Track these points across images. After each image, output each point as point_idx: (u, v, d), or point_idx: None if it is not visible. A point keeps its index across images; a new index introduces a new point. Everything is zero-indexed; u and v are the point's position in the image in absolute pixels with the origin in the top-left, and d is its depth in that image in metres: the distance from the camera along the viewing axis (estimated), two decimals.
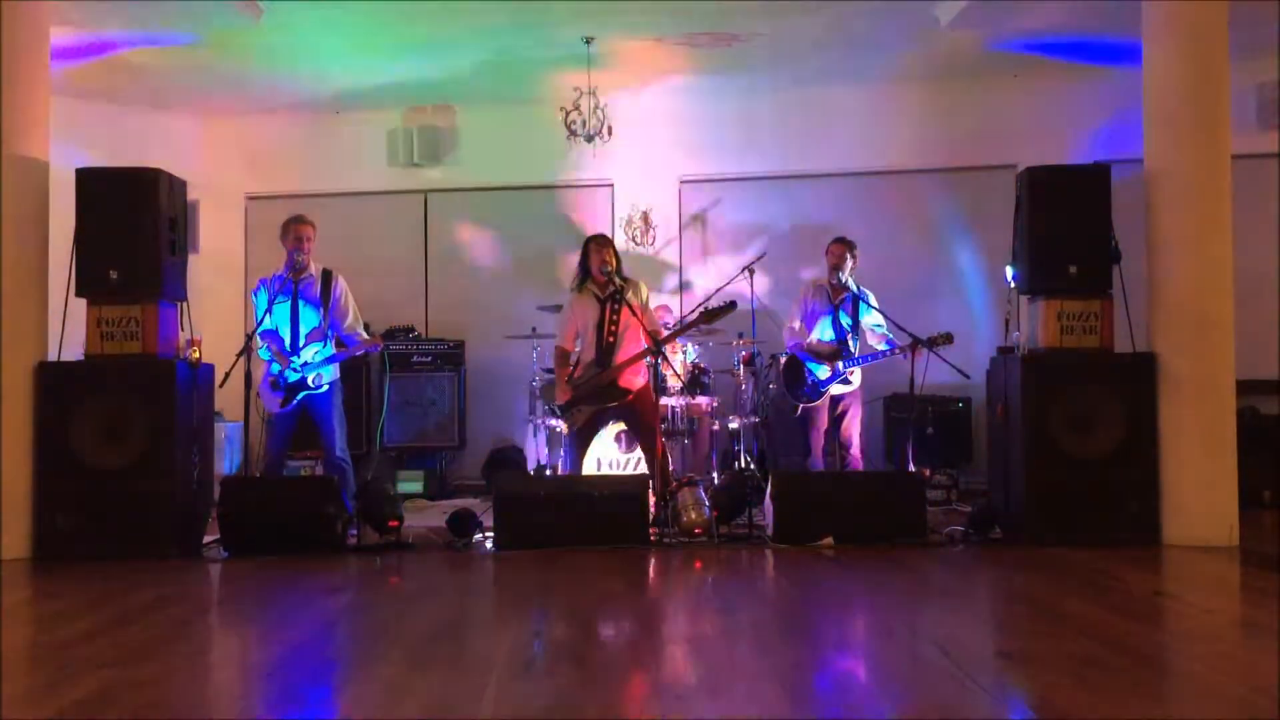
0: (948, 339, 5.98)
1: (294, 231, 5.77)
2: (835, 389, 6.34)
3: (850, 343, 6.33)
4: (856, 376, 6.40)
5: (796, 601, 4.37)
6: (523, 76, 7.74)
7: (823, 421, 6.37)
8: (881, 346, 6.27)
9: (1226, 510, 5.26)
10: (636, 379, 5.76)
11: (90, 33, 6.64)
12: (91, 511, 5.19)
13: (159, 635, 3.69)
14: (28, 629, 3.87)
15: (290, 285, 5.79)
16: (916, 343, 5.90)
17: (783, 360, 6.72)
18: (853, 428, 6.42)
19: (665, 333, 6.12)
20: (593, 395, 5.72)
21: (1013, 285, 5.90)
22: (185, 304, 5.67)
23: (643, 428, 5.81)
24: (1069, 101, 7.85)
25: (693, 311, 6.06)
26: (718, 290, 6.93)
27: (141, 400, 5.27)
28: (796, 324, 6.46)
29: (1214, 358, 5.32)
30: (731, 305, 5.68)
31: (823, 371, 6.29)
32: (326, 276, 5.89)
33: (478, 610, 4.35)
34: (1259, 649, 3.39)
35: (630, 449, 6.35)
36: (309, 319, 5.82)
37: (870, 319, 6.37)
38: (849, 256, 6.34)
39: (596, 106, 7.25)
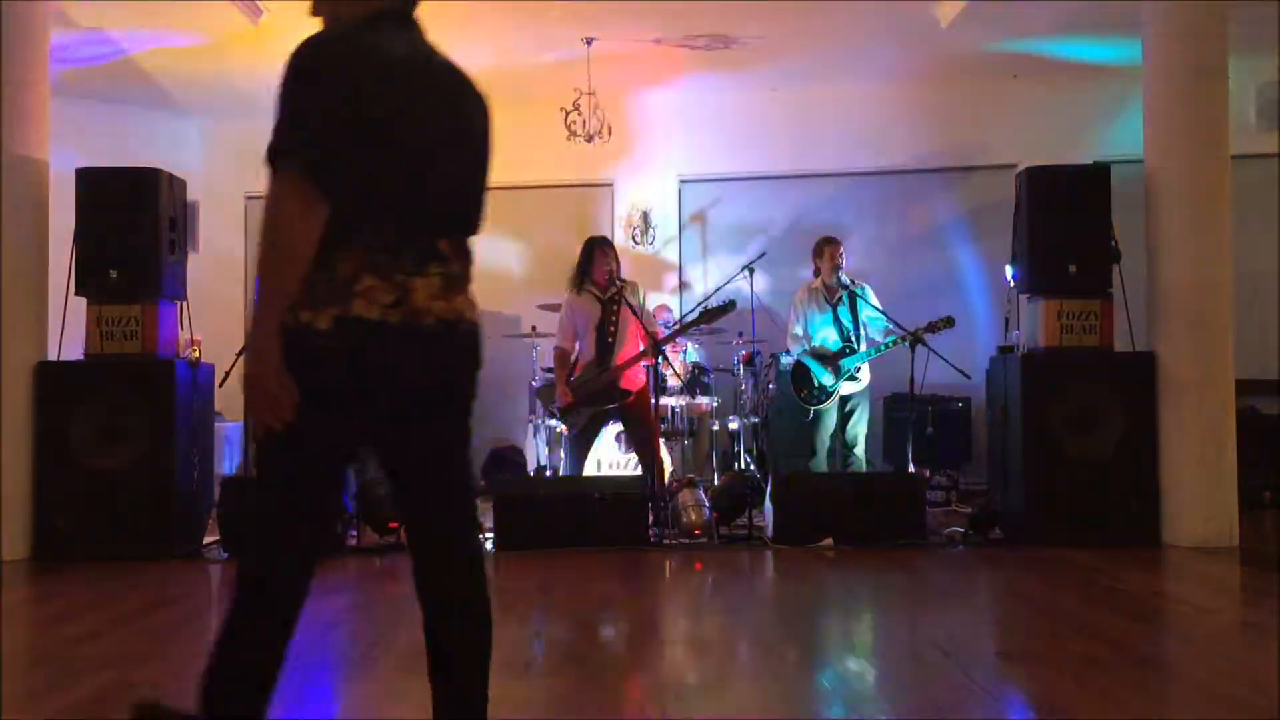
0: (949, 322, 5.96)
1: None
2: (844, 388, 6.34)
3: (854, 340, 6.33)
4: (865, 374, 6.40)
5: (796, 601, 4.37)
6: (523, 76, 7.74)
7: (832, 422, 6.37)
8: (883, 339, 6.26)
9: (1226, 510, 5.26)
10: (637, 380, 5.76)
11: (91, 33, 6.64)
12: (91, 512, 5.19)
13: (159, 635, 3.69)
14: (28, 629, 3.87)
15: None
16: (918, 336, 5.88)
17: (784, 361, 6.72)
18: (859, 428, 6.42)
19: (664, 333, 6.12)
20: (593, 397, 5.72)
21: (1013, 285, 5.90)
22: (185, 304, 5.67)
23: (640, 429, 5.81)
24: (1069, 101, 7.85)
25: (692, 311, 6.06)
26: (717, 290, 6.93)
27: (141, 400, 5.27)
28: (798, 329, 6.46)
29: (1214, 358, 5.32)
30: (731, 305, 5.69)
31: (826, 376, 6.29)
32: None
33: None
34: (1259, 649, 3.39)
35: (630, 449, 6.35)
36: None
37: (870, 313, 6.37)
38: (843, 254, 6.37)
39: (596, 106, 7.25)
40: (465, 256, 2.13)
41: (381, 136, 1.90)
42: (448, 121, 2.03)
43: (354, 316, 1.87)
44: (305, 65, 1.89)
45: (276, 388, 1.84)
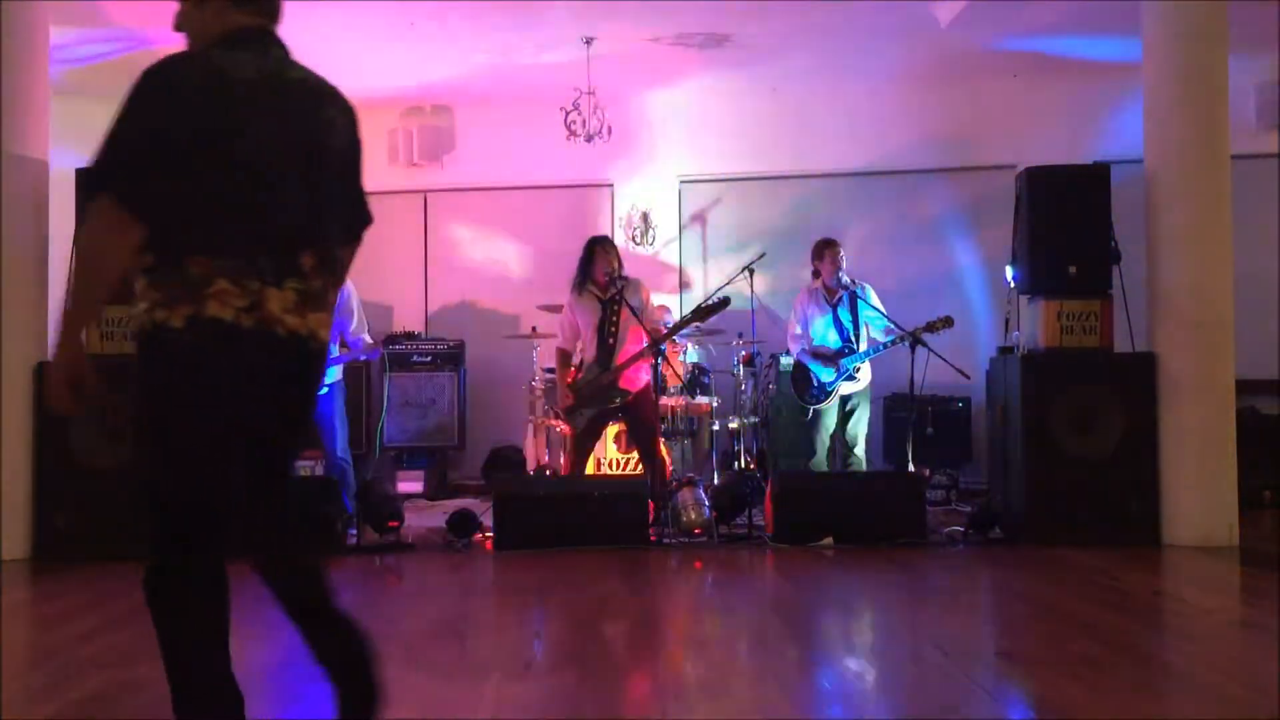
0: (947, 322, 5.96)
1: None
2: (844, 387, 6.33)
3: (854, 340, 6.32)
4: (865, 374, 6.39)
5: (796, 601, 4.37)
6: (523, 76, 7.74)
7: (831, 422, 6.36)
8: (884, 339, 6.27)
9: (1226, 510, 5.26)
10: (638, 379, 5.76)
11: (91, 32, 6.64)
12: (91, 511, 5.18)
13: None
14: (28, 629, 3.87)
15: None
16: (917, 336, 5.88)
17: (785, 361, 6.72)
18: (859, 427, 6.41)
19: (665, 331, 6.11)
20: (594, 396, 5.73)
21: (1013, 285, 5.89)
22: None
23: (642, 428, 5.81)
24: (1069, 101, 7.84)
25: (691, 312, 6.06)
26: (717, 290, 6.93)
27: None
28: (798, 329, 6.46)
29: (1214, 358, 5.32)
30: (725, 302, 5.68)
31: (826, 374, 6.30)
32: None
33: (478, 610, 4.35)
34: (1259, 649, 3.39)
35: (630, 449, 6.35)
36: None
37: (870, 313, 6.37)
38: (843, 255, 6.37)
39: (596, 106, 7.25)
40: (329, 273, 2.17)
41: (222, 154, 2.02)
42: (298, 137, 2.13)
43: (208, 316, 1.97)
44: (140, 90, 2.01)
45: (63, 389, 2.03)
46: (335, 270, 2.21)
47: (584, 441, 5.90)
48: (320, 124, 2.19)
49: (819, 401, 6.33)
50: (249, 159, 2.05)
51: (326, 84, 2.25)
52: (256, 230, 2.04)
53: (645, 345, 5.63)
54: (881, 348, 6.25)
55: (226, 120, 2.03)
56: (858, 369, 6.32)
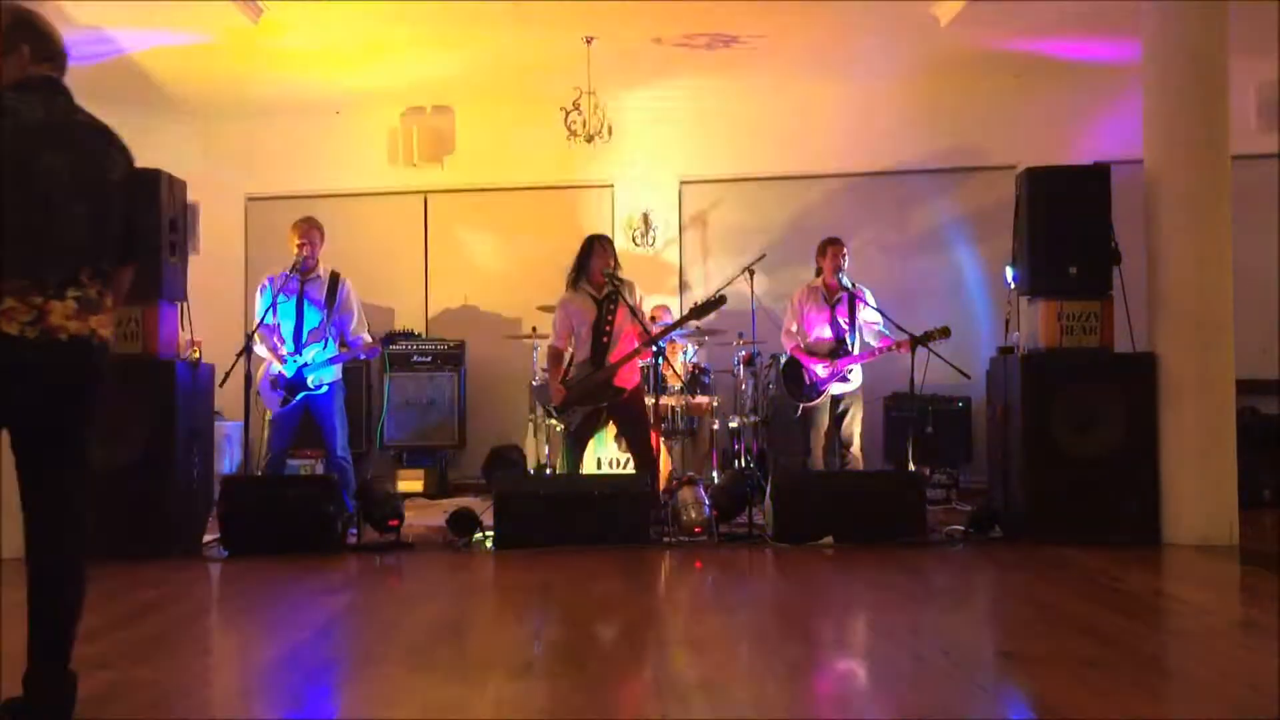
0: (944, 332, 5.96)
1: (291, 232, 5.83)
2: (835, 388, 6.34)
3: (849, 341, 6.32)
4: (856, 375, 6.40)
5: (796, 601, 4.37)
6: (523, 76, 7.74)
7: (823, 421, 6.36)
8: (877, 344, 6.28)
9: (1226, 510, 5.26)
10: (631, 378, 5.76)
11: (91, 32, 6.64)
12: (91, 511, 5.16)
13: (159, 635, 3.69)
14: (28, 629, 3.86)
15: (297, 284, 5.82)
16: (914, 341, 5.88)
17: (782, 361, 6.73)
18: (853, 427, 6.42)
19: (657, 331, 6.11)
20: (587, 394, 5.72)
21: (1013, 285, 5.89)
22: (185, 304, 5.66)
23: (634, 427, 5.80)
24: (1069, 101, 7.85)
25: (688, 312, 6.06)
26: (717, 291, 6.93)
27: (141, 401, 5.26)
28: (794, 326, 6.47)
29: (1214, 358, 5.32)
30: (720, 300, 5.69)
31: (820, 370, 6.30)
32: (334, 279, 5.91)
33: (478, 610, 4.35)
34: (1259, 649, 3.39)
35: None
36: (312, 319, 5.84)
37: (868, 316, 6.37)
38: (845, 255, 6.36)
39: (596, 106, 7.25)
40: (104, 282, 2.58)
41: (13, 185, 2.40)
42: (84, 170, 2.54)
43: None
44: None
45: None
46: (109, 280, 2.61)
47: (579, 438, 5.89)
48: (105, 160, 2.60)
49: (809, 400, 6.33)
50: (39, 190, 2.43)
51: (107, 127, 2.65)
52: (43, 252, 2.44)
53: (640, 344, 5.62)
54: (875, 354, 6.26)
55: (17, 155, 2.41)
56: (849, 371, 6.33)
